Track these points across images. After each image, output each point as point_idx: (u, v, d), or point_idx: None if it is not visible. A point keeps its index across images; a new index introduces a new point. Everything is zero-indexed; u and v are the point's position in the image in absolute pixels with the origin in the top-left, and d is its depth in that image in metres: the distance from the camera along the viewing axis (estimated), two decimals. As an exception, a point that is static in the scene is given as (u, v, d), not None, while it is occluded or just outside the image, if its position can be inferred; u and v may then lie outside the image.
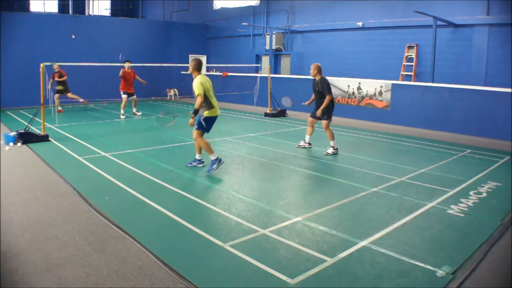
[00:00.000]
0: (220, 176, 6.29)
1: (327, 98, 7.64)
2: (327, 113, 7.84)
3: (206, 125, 6.27)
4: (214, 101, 6.25)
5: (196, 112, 5.96)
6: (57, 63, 12.84)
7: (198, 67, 6.27)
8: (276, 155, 7.70)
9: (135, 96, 13.07)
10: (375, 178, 6.15)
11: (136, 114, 13.12)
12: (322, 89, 7.71)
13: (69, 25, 16.84)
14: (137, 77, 12.92)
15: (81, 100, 13.52)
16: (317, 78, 7.82)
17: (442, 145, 8.93)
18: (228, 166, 6.78)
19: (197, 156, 6.64)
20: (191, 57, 20.73)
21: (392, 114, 12.08)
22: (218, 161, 6.24)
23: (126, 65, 12.61)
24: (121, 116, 12.59)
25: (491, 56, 11.56)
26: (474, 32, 11.88)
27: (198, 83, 6.07)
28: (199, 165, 6.60)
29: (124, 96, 12.62)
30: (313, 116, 8.01)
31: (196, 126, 6.24)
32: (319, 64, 7.92)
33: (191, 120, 5.92)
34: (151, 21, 21.45)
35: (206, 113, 6.22)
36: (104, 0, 24.59)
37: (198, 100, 6.00)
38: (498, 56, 11.34)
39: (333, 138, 7.85)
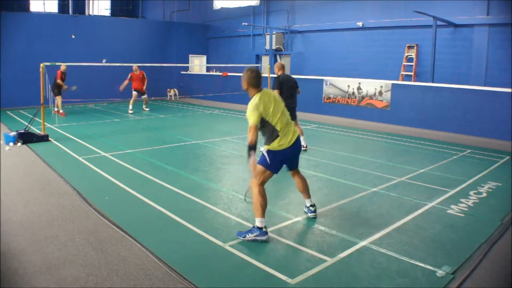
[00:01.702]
0: (220, 176, 6.29)
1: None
2: None
3: (270, 160, 4.03)
4: (282, 123, 4.03)
5: (251, 149, 3.97)
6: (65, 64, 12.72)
7: (254, 81, 4.12)
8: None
9: (145, 96, 14.13)
10: (375, 178, 6.15)
11: (144, 110, 14.20)
12: (273, 85, 7.71)
13: (69, 25, 16.83)
14: (145, 80, 13.93)
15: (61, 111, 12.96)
16: None
17: (442, 145, 8.93)
18: (228, 166, 6.78)
19: (257, 222, 3.96)
20: (189, 56, 20.77)
21: (392, 114, 12.07)
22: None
23: (134, 67, 13.67)
24: (129, 111, 13.52)
25: (491, 56, 11.54)
26: (474, 32, 11.86)
27: (253, 105, 3.97)
28: (258, 238, 3.92)
29: (134, 93, 13.63)
30: None
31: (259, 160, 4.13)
32: (282, 63, 7.89)
33: (250, 162, 3.97)
34: (151, 21, 21.44)
35: (269, 147, 4.08)
36: (104, 0, 24.59)
37: (250, 135, 3.88)
38: (498, 56, 11.32)
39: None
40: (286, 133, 4.05)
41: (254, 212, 3.98)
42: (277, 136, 4.02)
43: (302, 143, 8.05)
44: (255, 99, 4.02)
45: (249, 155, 3.93)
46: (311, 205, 4.54)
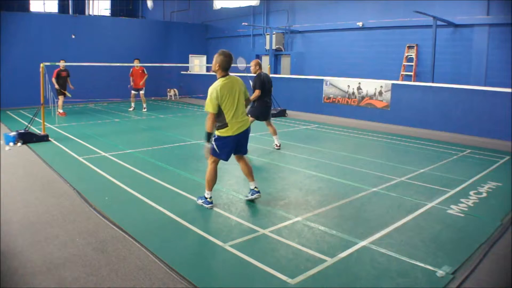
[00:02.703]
0: (220, 176, 6.28)
1: (255, 93, 7.46)
2: (251, 110, 7.57)
3: (218, 149, 4.62)
4: (232, 114, 4.51)
5: (208, 137, 4.50)
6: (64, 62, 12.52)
7: (225, 65, 4.48)
8: (275, 155, 7.70)
9: (142, 91, 14.22)
10: (375, 178, 6.15)
11: (143, 111, 14.23)
12: (254, 83, 7.58)
13: (69, 25, 16.84)
14: (144, 77, 14.06)
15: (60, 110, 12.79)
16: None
17: (442, 145, 8.93)
18: (228, 166, 6.77)
19: (205, 193, 4.83)
20: (189, 56, 20.78)
21: (392, 114, 12.07)
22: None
23: (135, 63, 13.83)
24: (129, 109, 14.33)
25: (491, 56, 11.55)
26: (474, 32, 11.87)
27: (214, 95, 4.40)
28: (204, 205, 4.80)
29: (132, 92, 14.21)
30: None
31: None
32: (259, 60, 7.82)
33: (205, 150, 4.59)
34: (151, 21, 21.45)
35: (217, 132, 4.62)
36: (104, 0, 24.60)
37: (209, 122, 4.49)
38: (498, 56, 11.33)
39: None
40: (234, 124, 4.56)
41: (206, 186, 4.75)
42: (226, 125, 4.54)
43: (276, 142, 8.08)
44: (218, 84, 4.45)
45: (206, 141, 4.59)
46: (255, 187, 4.96)
